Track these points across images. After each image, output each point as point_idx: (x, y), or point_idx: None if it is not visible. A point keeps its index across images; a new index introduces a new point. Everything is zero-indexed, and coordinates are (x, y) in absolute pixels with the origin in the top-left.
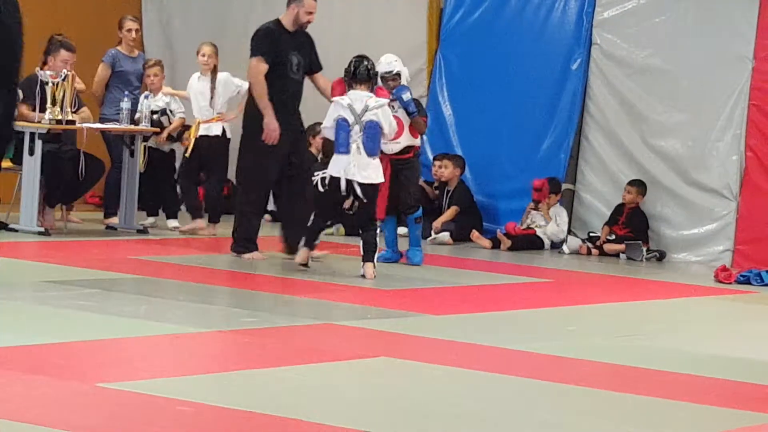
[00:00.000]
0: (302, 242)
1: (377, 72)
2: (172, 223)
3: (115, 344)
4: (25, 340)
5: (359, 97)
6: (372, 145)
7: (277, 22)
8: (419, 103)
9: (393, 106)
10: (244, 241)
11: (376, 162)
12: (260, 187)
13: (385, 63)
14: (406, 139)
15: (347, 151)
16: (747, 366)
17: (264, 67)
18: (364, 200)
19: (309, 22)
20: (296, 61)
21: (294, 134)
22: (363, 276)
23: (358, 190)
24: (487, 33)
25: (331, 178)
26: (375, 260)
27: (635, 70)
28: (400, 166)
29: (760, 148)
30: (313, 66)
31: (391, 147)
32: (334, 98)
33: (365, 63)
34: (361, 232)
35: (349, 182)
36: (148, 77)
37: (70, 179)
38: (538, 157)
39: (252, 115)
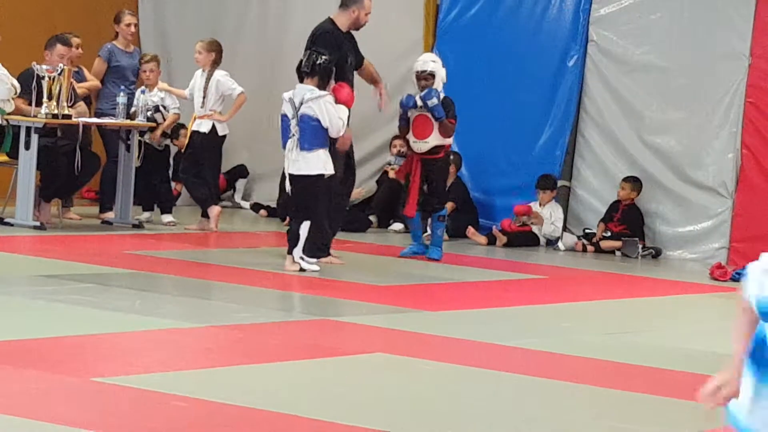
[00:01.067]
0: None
1: (326, 65)
2: (167, 218)
3: (110, 339)
4: (19, 335)
5: (300, 91)
6: (305, 139)
7: (332, 22)
8: (450, 104)
9: (424, 106)
10: (322, 247)
11: (313, 154)
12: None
13: (422, 61)
14: (435, 139)
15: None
16: None
17: (332, 68)
18: (296, 191)
19: (366, 23)
20: (351, 60)
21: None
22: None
23: (287, 182)
24: (483, 29)
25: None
26: (295, 253)
27: (631, 67)
28: (429, 165)
29: (756, 146)
30: (360, 62)
31: (420, 146)
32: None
33: (312, 57)
34: (289, 220)
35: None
36: (143, 72)
37: (66, 174)
38: (534, 153)
39: None
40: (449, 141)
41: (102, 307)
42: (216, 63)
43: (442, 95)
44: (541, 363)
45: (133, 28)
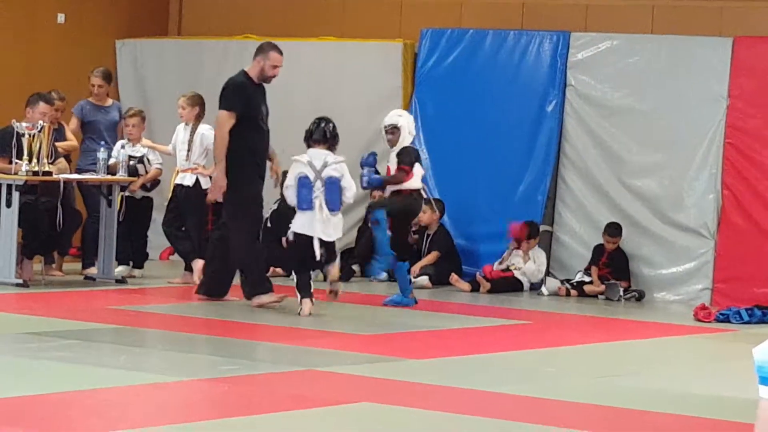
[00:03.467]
0: (299, 296)
1: (335, 132)
2: (137, 272)
3: (95, 395)
4: (3, 393)
5: (318, 154)
6: (333, 200)
7: (245, 74)
8: (408, 152)
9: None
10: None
11: (338, 218)
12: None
13: (388, 116)
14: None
15: (310, 207)
16: (728, 404)
17: (232, 122)
18: (325, 256)
19: (274, 76)
20: (265, 111)
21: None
22: (299, 313)
23: (316, 247)
24: (462, 76)
25: (297, 234)
26: (312, 297)
27: (610, 111)
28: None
29: (737, 187)
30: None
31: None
32: (293, 157)
33: (322, 125)
34: (295, 272)
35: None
36: (126, 126)
37: (47, 230)
38: (516, 199)
39: (234, 168)
40: (410, 186)
41: (86, 363)
42: (200, 117)
43: (409, 145)
44: (528, 408)
45: (97, 89)
